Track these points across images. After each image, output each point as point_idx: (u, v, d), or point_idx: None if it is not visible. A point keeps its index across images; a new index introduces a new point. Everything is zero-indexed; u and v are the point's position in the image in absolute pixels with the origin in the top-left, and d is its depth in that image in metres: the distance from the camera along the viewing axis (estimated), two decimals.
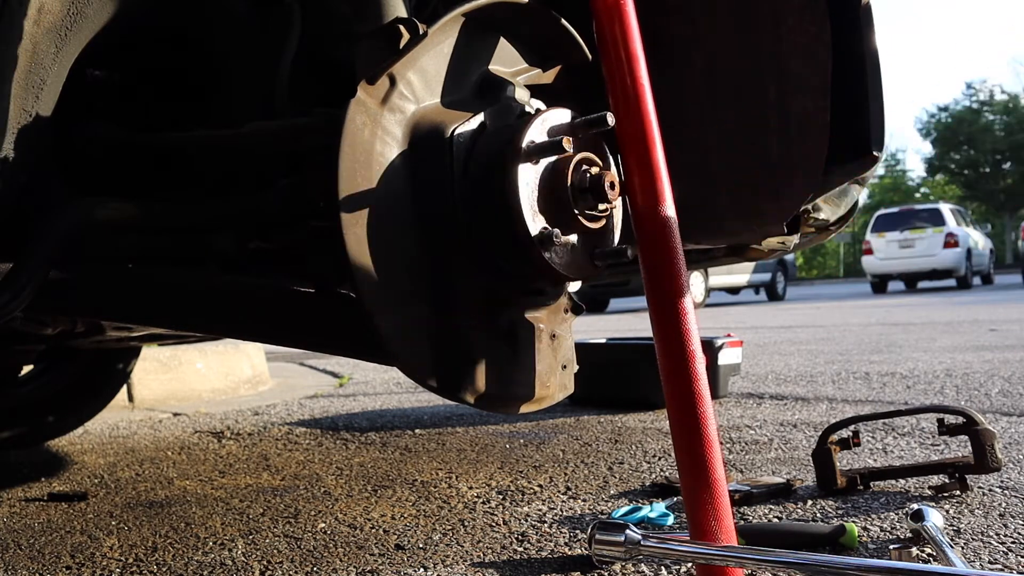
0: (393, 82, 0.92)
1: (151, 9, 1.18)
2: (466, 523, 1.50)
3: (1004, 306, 8.85)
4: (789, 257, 16.67)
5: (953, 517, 1.40)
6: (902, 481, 1.63)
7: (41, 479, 2.09)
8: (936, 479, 1.62)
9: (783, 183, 1.35)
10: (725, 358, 2.89)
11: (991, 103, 42.94)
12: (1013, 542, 1.26)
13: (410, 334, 0.92)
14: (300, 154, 1.20)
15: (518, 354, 1.04)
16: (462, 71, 1.01)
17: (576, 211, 1.00)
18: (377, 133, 0.91)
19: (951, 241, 16.20)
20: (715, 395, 2.87)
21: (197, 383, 3.70)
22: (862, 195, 1.58)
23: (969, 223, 18.54)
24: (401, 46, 0.94)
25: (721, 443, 2.10)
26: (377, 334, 0.89)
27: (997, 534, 1.30)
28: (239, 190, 1.25)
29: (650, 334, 1.05)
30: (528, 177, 0.96)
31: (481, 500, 1.67)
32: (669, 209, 1.02)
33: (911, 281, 17.77)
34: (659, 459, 1.98)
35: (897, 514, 1.44)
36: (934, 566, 1.11)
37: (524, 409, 1.07)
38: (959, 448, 1.90)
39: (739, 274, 14.60)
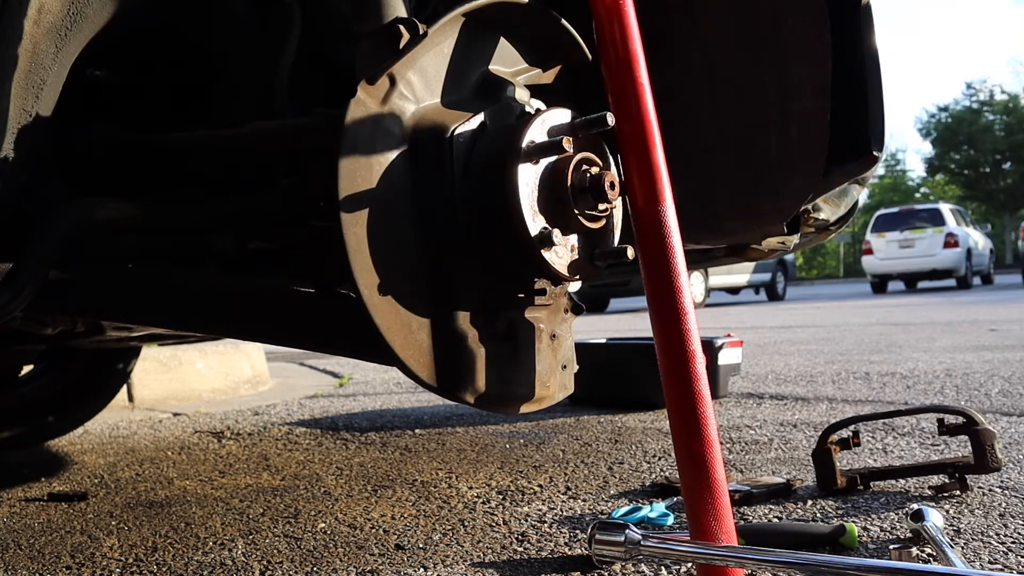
0: (393, 82, 0.92)
1: (151, 9, 1.18)
2: (466, 523, 1.50)
3: (1004, 306, 8.85)
4: (789, 257, 16.67)
5: (953, 517, 1.40)
6: (902, 481, 1.63)
7: (41, 479, 2.09)
8: (936, 479, 1.62)
9: (783, 183, 1.35)
10: (725, 358, 2.89)
11: (991, 103, 42.94)
12: (1013, 542, 1.26)
13: (410, 334, 0.92)
14: (300, 154, 1.20)
15: (518, 354, 1.04)
16: (462, 71, 1.01)
17: (576, 211, 1.00)
18: (377, 133, 0.91)
19: (951, 241, 16.20)
20: (715, 395, 2.87)
21: (197, 383, 3.70)
22: (862, 195, 1.58)
23: (969, 223, 18.54)
24: (401, 46, 0.93)
25: (721, 443, 2.10)
26: (377, 334, 0.89)
27: (997, 534, 1.30)
28: (239, 190, 1.25)
29: (650, 334, 1.05)
30: (528, 177, 0.96)
31: (481, 500, 1.67)
32: (669, 209, 1.02)
33: (911, 281, 17.77)
34: (659, 459, 1.98)
35: (897, 514, 1.44)
36: (934, 566, 1.11)
37: (524, 409, 1.07)
38: (959, 448, 1.90)
39: (739, 274, 14.60)
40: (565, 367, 1.13)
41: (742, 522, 1.43)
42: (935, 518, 1.21)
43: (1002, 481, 1.61)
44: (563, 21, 1.10)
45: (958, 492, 1.52)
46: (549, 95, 1.12)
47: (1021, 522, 1.35)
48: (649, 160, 1.02)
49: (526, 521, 1.50)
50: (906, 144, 60.73)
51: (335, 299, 1.19)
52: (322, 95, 1.26)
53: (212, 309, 1.23)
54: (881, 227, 17.05)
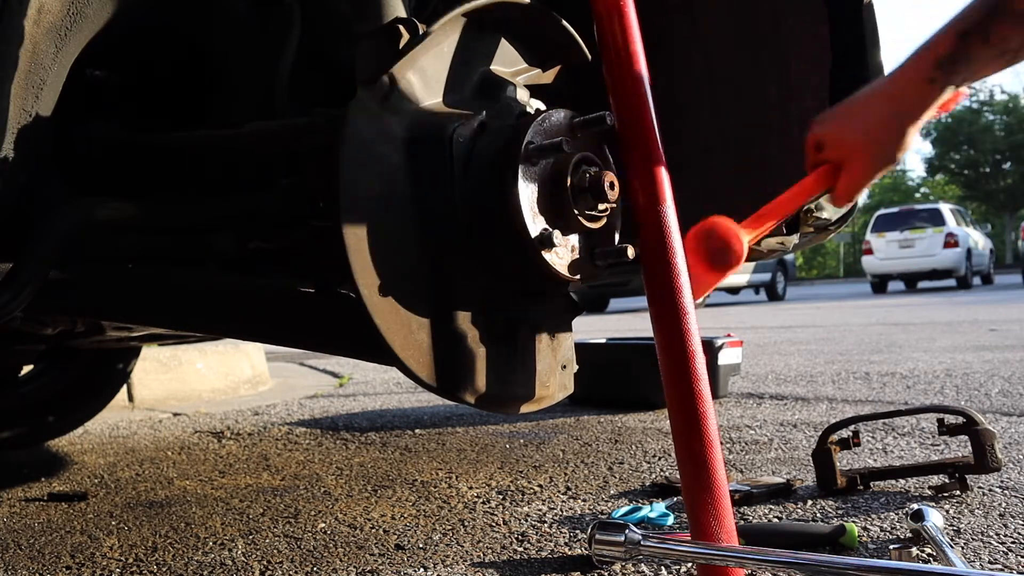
0: (393, 82, 0.92)
1: (151, 9, 1.18)
2: (466, 523, 1.50)
3: (1004, 306, 8.85)
4: (789, 257, 16.66)
5: (953, 517, 1.40)
6: (902, 481, 1.63)
7: (41, 479, 2.09)
8: (936, 479, 1.62)
9: (784, 183, 1.35)
10: (725, 358, 2.89)
11: (991, 103, 42.92)
12: (1013, 542, 1.26)
13: (410, 334, 0.92)
14: (300, 154, 1.20)
15: (518, 354, 1.04)
16: (462, 71, 1.01)
17: (576, 211, 1.00)
18: (377, 133, 0.91)
19: (951, 241, 16.19)
20: (715, 395, 2.87)
21: (197, 383, 3.70)
22: (862, 195, 1.58)
23: (969, 223, 18.53)
24: (401, 46, 0.93)
25: (721, 443, 2.10)
26: (377, 334, 0.89)
27: (997, 534, 1.30)
28: (239, 190, 1.25)
29: (650, 334, 1.05)
30: (528, 177, 0.96)
31: (481, 500, 1.67)
32: (670, 209, 1.02)
33: (911, 281, 17.76)
34: (659, 459, 1.98)
35: (897, 514, 1.44)
36: (934, 566, 1.12)
37: (524, 409, 1.07)
38: (959, 448, 1.90)
39: (739, 274, 14.59)
40: (565, 367, 1.13)
41: (742, 522, 1.43)
42: (935, 518, 1.21)
43: (1002, 481, 1.61)
44: (563, 21, 1.10)
45: (958, 492, 1.52)
46: (549, 95, 1.12)
47: (1021, 522, 1.35)
48: (649, 160, 1.02)
49: (526, 521, 1.50)
50: None
51: (335, 299, 1.19)
52: (322, 95, 1.26)
53: (212, 309, 1.23)
54: (881, 227, 17.04)
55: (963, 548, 1.24)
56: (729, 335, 2.95)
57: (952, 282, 17.20)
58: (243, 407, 3.34)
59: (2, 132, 0.95)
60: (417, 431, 2.57)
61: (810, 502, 1.54)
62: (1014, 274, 23.53)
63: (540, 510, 1.57)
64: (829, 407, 2.68)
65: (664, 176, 1.03)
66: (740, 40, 1.35)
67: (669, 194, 1.02)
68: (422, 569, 1.26)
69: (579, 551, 1.31)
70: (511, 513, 1.56)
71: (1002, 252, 33.97)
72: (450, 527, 1.48)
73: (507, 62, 1.07)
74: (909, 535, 1.27)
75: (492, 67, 1.05)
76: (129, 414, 3.23)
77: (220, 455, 2.30)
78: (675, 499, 1.59)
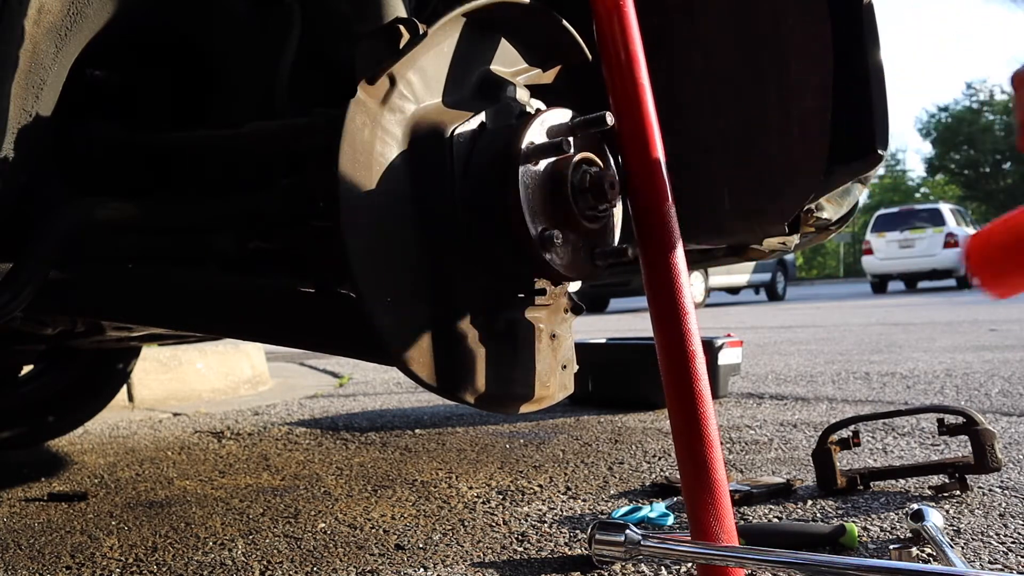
0: (393, 82, 0.92)
1: (151, 9, 1.18)
2: (466, 523, 1.50)
3: (1004, 306, 8.85)
4: (789, 257, 16.66)
5: (953, 517, 1.40)
6: (902, 481, 1.63)
7: (41, 479, 2.09)
8: (936, 479, 1.62)
9: (784, 183, 1.35)
10: (725, 358, 2.89)
11: (991, 103, 42.91)
12: (1013, 542, 1.26)
13: (410, 334, 0.92)
14: (300, 154, 1.20)
15: (518, 354, 1.04)
16: (462, 71, 1.01)
17: (576, 211, 1.00)
18: (377, 133, 0.91)
19: (951, 241, 16.18)
20: (715, 395, 2.87)
21: (197, 383, 3.70)
22: (863, 195, 1.58)
23: (969, 223, 18.51)
24: (401, 46, 0.93)
25: (721, 443, 2.10)
26: (377, 334, 0.89)
27: (997, 534, 1.30)
28: (239, 190, 1.25)
29: (650, 334, 1.05)
30: (528, 177, 0.96)
31: (481, 500, 1.67)
32: (669, 209, 1.02)
33: (911, 281, 17.76)
34: (659, 459, 1.98)
35: (897, 514, 1.44)
36: (934, 566, 1.11)
37: (524, 409, 1.07)
38: (959, 448, 1.90)
39: (739, 274, 14.59)
40: (565, 367, 1.13)
41: (742, 522, 1.43)
42: (935, 518, 1.21)
43: (1002, 481, 1.61)
44: (563, 21, 1.10)
45: (958, 492, 1.52)
46: (549, 95, 1.12)
47: (1021, 522, 1.35)
48: (649, 159, 1.02)
49: (526, 521, 1.50)
50: (906, 144, 60.63)
51: (335, 299, 1.19)
52: (322, 95, 1.26)
53: (212, 309, 1.23)
54: (881, 227, 17.04)
55: (963, 548, 1.24)
56: (729, 335, 2.95)
57: (952, 282, 17.20)
58: (243, 407, 3.34)
59: (2, 132, 0.95)
60: (417, 431, 2.57)
61: (810, 502, 1.54)
62: None
63: (540, 510, 1.57)
64: (829, 407, 2.68)
65: (663, 176, 1.03)
66: (740, 40, 1.34)
67: (668, 194, 1.02)
68: (422, 569, 1.26)
69: (579, 551, 1.31)
70: (511, 513, 1.56)
71: None
72: (450, 527, 1.48)
73: (507, 62, 1.07)
74: (909, 535, 1.27)
75: (492, 67, 1.05)
76: (129, 414, 3.23)
77: (220, 455, 2.30)
78: (675, 499, 1.59)
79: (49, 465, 2.28)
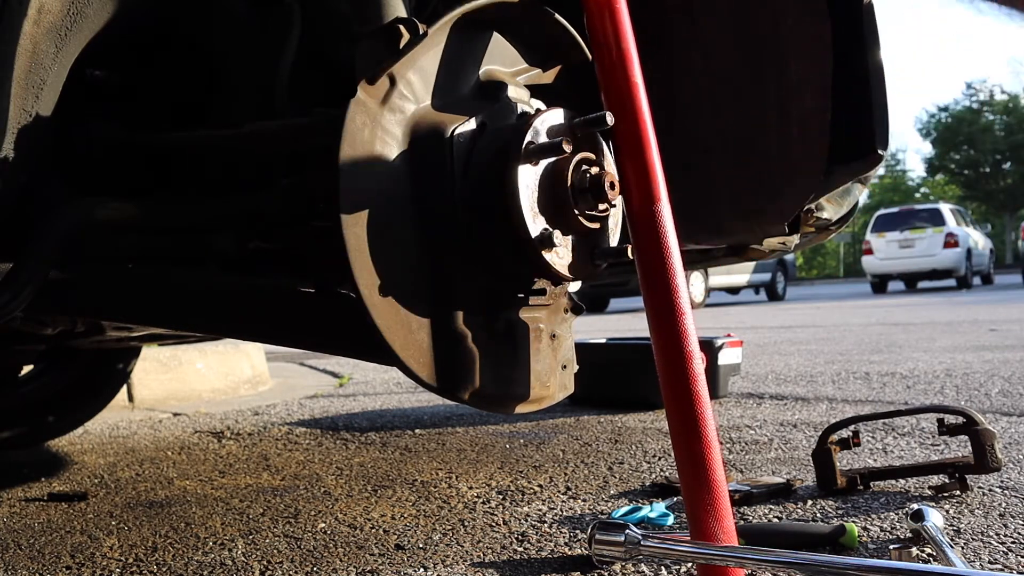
0: (393, 82, 0.92)
1: (151, 9, 1.18)
2: (466, 523, 1.50)
3: (1004, 306, 8.85)
4: (789, 257, 16.66)
5: (953, 517, 1.40)
6: (902, 481, 1.63)
7: (41, 479, 2.09)
8: (936, 479, 1.62)
9: (784, 183, 1.35)
10: (725, 358, 2.89)
11: (991, 103, 42.91)
12: (1013, 542, 1.26)
13: (410, 334, 0.92)
14: (300, 154, 1.20)
15: (518, 354, 1.04)
16: (462, 71, 1.01)
17: (576, 211, 1.00)
18: (377, 133, 0.91)
19: (951, 241, 16.19)
20: (715, 395, 2.87)
21: (197, 383, 3.70)
22: (863, 195, 1.58)
23: (969, 223, 18.53)
24: (401, 46, 0.94)
25: (721, 443, 2.10)
26: (377, 334, 0.89)
27: (997, 534, 1.30)
28: (239, 190, 1.25)
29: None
30: (528, 177, 0.96)
31: (481, 500, 1.67)
32: (664, 208, 1.02)
33: (911, 281, 17.77)
34: (659, 459, 1.98)
35: (897, 514, 1.44)
36: (934, 566, 1.11)
37: (524, 409, 1.07)
38: (959, 448, 1.90)
39: (739, 274, 14.59)
40: (565, 367, 1.13)
41: (742, 522, 1.43)
42: (935, 518, 1.21)
43: (1002, 481, 1.61)
44: (563, 21, 1.10)
45: (958, 492, 1.52)
46: (549, 95, 1.12)
47: (1021, 522, 1.35)
48: (643, 158, 1.02)
49: (526, 521, 1.50)
50: (906, 144, 60.63)
51: (335, 299, 1.19)
52: (322, 95, 1.26)
53: (212, 309, 1.23)
54: (881, 227, 17.05)
55: (963, 548, 1.24)
56: (729, 335, 2.95)
57: (952, 282, 17.20)
58: (243, 407, 3.34)
59: (2, 132, 0.96)
60: (417, 431, 2.57)
61: (810, 502, 1.54)
62: (1014, 274, 23.52)
63: (540, 510, 1.57)
64: (829, 407, 2.68)
65: (659, 175, 1.02)
66: (740, 40, 1.34)
67: (664, 193, 1.02)
68: (422, 569, 1.26)
69: (579, 551, 1.31)
70: (511, 513, 1.56)
71: (1002, 252, 33.95)
72: (450, 527, 1.48)
73: (507, 62, 1.07)
74: (909, 535, 1.27)
75: (492, 67, 1.05)
76: (129, 414, 3.23)
77: (220, 455, 2.30)
78: (675, 499, 1.59)
79: (49, 465, 2.28)
